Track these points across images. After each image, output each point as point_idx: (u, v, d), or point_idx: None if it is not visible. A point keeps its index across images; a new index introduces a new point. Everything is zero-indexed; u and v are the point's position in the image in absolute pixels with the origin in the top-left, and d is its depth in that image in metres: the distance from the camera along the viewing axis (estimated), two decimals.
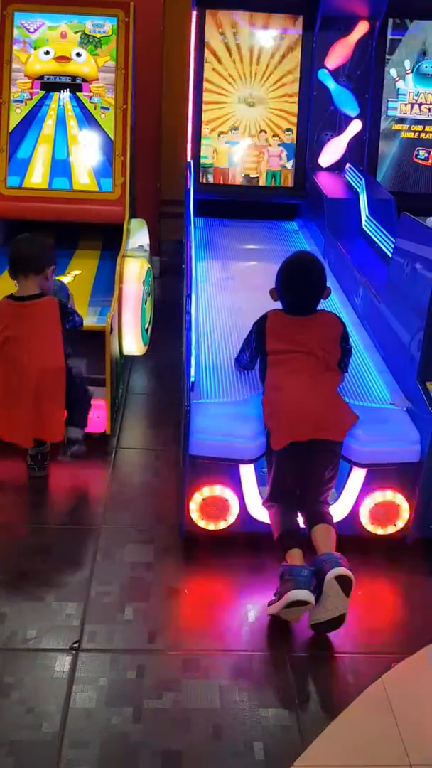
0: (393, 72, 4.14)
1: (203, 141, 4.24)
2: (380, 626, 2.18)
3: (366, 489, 2.34)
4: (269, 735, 1.81)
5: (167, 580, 2.28)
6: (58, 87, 3.69)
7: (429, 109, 4.16)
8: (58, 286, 2.88)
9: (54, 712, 1.83)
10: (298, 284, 2.44)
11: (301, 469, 2.25)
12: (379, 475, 2.33)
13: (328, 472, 2.26)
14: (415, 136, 4.20)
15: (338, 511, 2.36)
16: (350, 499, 2.36)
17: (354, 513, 2.37)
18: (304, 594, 1.98)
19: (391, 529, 2.39)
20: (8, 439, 2.60)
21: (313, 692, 1.94)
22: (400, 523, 2.38)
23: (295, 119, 4.21)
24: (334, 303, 3.33)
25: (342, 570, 2.00)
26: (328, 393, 2.32)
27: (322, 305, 2.53)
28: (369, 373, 2.71)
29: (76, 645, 2.03)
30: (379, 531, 2.39)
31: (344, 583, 1.99)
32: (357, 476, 2.33)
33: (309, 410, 2.25)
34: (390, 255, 2.84)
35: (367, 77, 4.11)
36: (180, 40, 4.23)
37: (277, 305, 2.49)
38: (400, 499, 2.35)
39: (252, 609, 2.19)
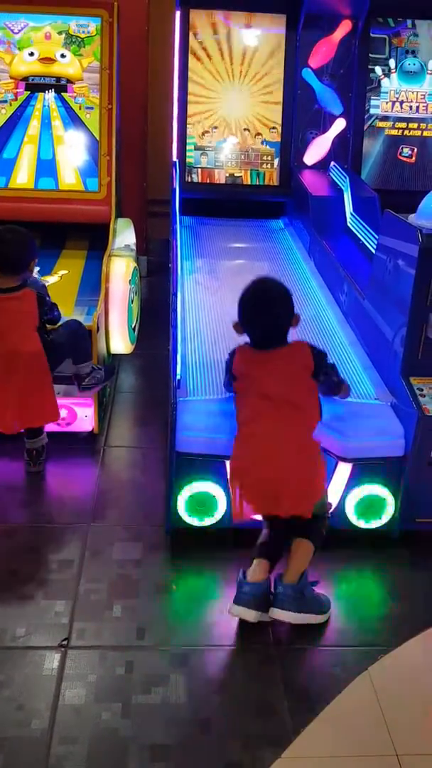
0: (378, 70, 4.17)
1: (188, 140, 4.25)
2: (366, 619, 2.20)
3: (351, 483, 2.37)
4: (257, 728, 1.83)
5: (155, 576, 2.30)
6: (42, 87, 3.69)
7: (410, 107, 4.19)
8: (32, 281, 2.86)
9: (43, 709, 1.84)
10: (259, 317, 2.20)
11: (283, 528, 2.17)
12: (364, 469, 2.36)
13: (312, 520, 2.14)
14: (399, 134, 4.23)
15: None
16: (336, 493, 2.38)
17: (340, 507, 2.39)
18: (237, 610, 2.07)
19: (376, 523, 2.42)
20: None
21: (300, 685, 1.96)
22: (386, 517, 2.41)
23: (279, 118, 4.22)
24: (320, 300, 3.36)
25: (276, 614, 2.05)
26: (291, 449, 2.10)
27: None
28: (354, 369, 2.73)
29: (64, 642, 2.04)
30: (365, 525, 2.42)
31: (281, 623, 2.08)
32: (343, 471, 2.35)
33: (266, 478, 2.09)
34: (374, 252, 2.87)
35: (350, 76, 4.14)
36: (165, 39, 4.24)
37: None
38: (385, 493, 2.38)
39: None
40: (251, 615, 2.06)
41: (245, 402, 2.20)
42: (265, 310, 2.20)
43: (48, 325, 2.69)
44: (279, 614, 2.05)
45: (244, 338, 2.27)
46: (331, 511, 2.28)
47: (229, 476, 2.23)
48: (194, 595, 2.28)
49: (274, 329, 2.20)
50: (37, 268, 3.42)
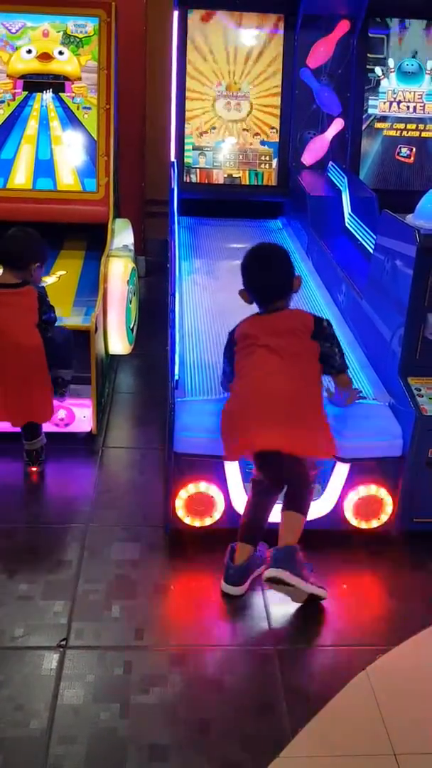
0: (378, 70, 4.17)
1: (186, 140, 4.25)
2: (364, 619, 2.21)
3: (349, 484, 2.37)
4: (255, 727, 1.83)
5: (154, 577, 2.30)
6: (40, 87, 3.69)
7: (408, 107, 4.20)
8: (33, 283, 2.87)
9: (42, 709, 1.84)
10: (260, 272, 2.32)
11: (275, 471, 2.22)
12: (362, 469, 2.36)
13: (303, 470, 2.21)
14: (397, 134, 4.23)
15: (322, 505, 2.38)
16: (334, 493, 2.38)
17: (338, 507, 2.39)
18: (227, 588, 2.22)
19: (374, 523, 2.42)
20: None
21: (298, 685, 1.96)
22: (384, 517, 2.41)
23: (277, 118, 4.23)
24: (318, 300, 3.36)
25: (271, 572, 2.08)
26: (300, 386, 2.20)
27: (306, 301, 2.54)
28: (352, 369, 2.73)
29: (63, 642, 2.04)
30: (363, 525, 2.42)
31: (277, 581, 2.09)
32: (341, 471, 2.36)
33: (274, 410, 2.15)
34: (372, 252, 2.87)
35: (348, 76, 4.14)
36: (163, 39, 4.24)
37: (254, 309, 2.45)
38: (383, 493, 2.38)
39: (238, 604, 2.21)
40: (238, 590, 2.21)
41: (245, 355, 2.26)
42: (265, 266, 2.32)
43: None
44: (273, 572, 2.07)
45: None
46: (328, 511, 2.29)
47: (223, 418, 2.23)
48: (192, 596, 2.28)
49: (275, 284, 2.30)
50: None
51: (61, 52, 3.67)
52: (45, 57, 3.66)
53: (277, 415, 2.15)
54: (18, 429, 2.75)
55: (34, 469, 2.78)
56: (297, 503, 2.18)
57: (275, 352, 2.22)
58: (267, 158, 4.29)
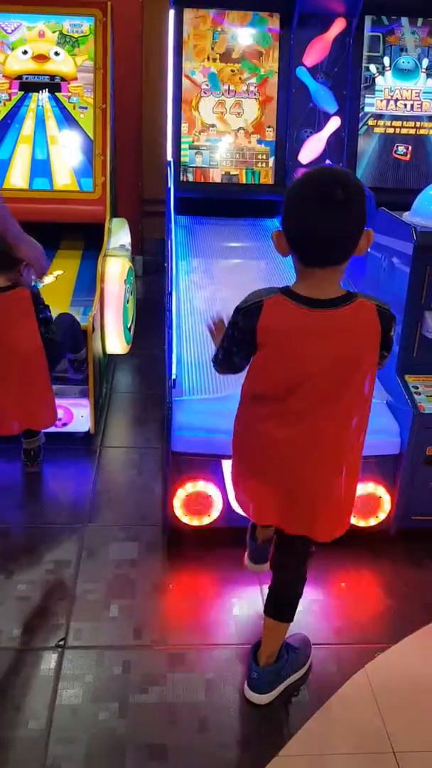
0: (372, 68, 4.16)
1: (183, 139, 4.24)
2: (363, 617, 2.21)
3: None
4: (254, 726, 1.84)
5: (152, 576, 2.30)
6: (36, 87, 3.69)
7: (405, 105, 4.20)
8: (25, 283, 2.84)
9: (40, 710, 1.84)
10: (320, 211, 1.45)
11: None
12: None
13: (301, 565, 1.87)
14: (394, 132, 4.22)
15: None
16: None
17: None
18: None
19: (373, 521, 2.42)
20: None
21: (297, 683, 1.96)
22: (382, 515, 2.41)
23: (274, 117, 4.22)
24: None
25: (253, 698, 1.89)
26: (328, 468, 1.68)
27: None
28: None
29: (61, 642, 2.04)
30: (362, 523, 2.42)
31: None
32: None
33: (292, 496, 1.71)
34: (369, 250, 2.87)
35: (345, 74, 4.13)
36: (159, 39, 4.23)
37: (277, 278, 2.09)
38: (381, 491, 2.38)
39: (237, 603, 2.22)
40: (263, 567, 2.14)
41: (266, 379, 1.64)
42: (329, 203, 1.44)
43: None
44: (255, 698, 1.88)
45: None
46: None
47: (232, 478, 1.85)
48: (191, 595, 2.28)
49: (341, 235, 1.48)
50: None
51: (57, 53, 3.66)
52: (41, 58, 3.66)
53: (303, 509, 1.72)
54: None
55: (32, 469, 2.77)
56: (287, 615, 1.90)
57: (325, 399, 1.60)
58: (264, 157, 4.29)
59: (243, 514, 1.91)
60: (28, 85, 3.68)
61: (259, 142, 4.27)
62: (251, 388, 1.70)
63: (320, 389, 1.59)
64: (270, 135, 4.26)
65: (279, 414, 1.64)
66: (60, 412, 2.88)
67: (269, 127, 4.25)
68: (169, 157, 4.15)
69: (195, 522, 2.38)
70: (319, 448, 1.66)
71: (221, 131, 4.23)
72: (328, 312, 1.55)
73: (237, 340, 1.64)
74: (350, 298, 1.57)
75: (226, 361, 1.71)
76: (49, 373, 2.60)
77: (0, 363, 2.52)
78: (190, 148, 4.25)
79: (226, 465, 2.33)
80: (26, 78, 3.68)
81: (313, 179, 1.51)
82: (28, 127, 3.68)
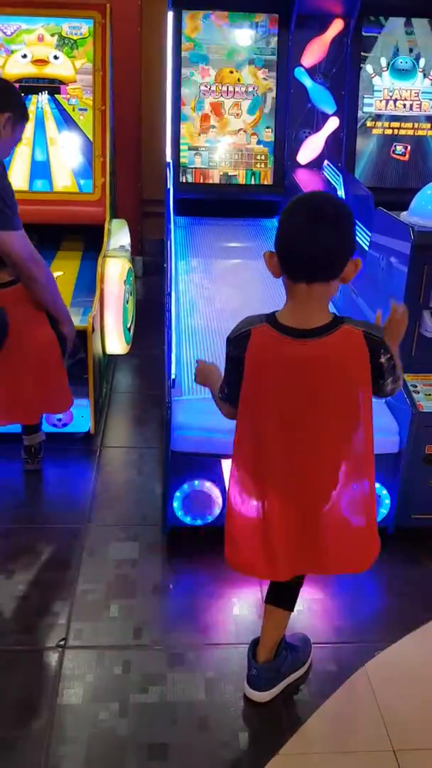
0: (369, 68, 4.17)
1: (182, 140, 4.25)
2: (363, 616, 2.21)
3: None
4: (254, 725, 1.84)
5: (152, 576, 2.30)
6: (35, 89, 3.70)
7: (404, 105, 4.20)
8: None
9: (41, 709, 1.85)
10: (310, 234, 1.49)
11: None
12: None
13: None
14: (392, 132, 4.23)
15: None
16: None
17: None
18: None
19: None
20: (15, 421, 2.68)
21: (297, 682, 1.96)
22: (381, 514, 2.41)
23: (273, 117, 4.23)
24: None
25: (254, 696, 1.88)
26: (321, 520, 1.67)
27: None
28: None
29: (62, 642, 2.04)
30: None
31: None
32: None
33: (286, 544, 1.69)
34: (367, 249, 2.87)
35: (343, 75, 4.14)
36: (158, 40, 4.24)
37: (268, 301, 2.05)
38: (380, 490, 2.38)
39: (237, 603, 2.22)
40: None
41: (248, 422, 1.65)
42: (317, 225, 1.48)
43: None
44: (255, 696, 1.88)
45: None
46: None
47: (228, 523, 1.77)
48: (191, 595, 2.28)
49: (326, 256, 1.51)
50: None
51: (56, 57, 3.67)
52: (40, 62, 3.67)
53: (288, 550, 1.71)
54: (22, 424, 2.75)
55: (32, 466, 2.78)
56: (288, 602, 1.89)
57: (306, 440, 1.60)
58: (263, 157, 4.29)
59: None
60: (27, 88, 3.69)
61: (258, 142, 4.28)
62: (237, 427, 1.68)
63: (298, 427, 1.59)
64: (269, 135, 4.27)
65: (261, 454, 1.64)
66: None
67: (268, 127, 4.26)
68: (169, 158, 4.16)
69: (195, 521, 2.39)
70: (303, 499, 1.65)
71: (220, 132, 4.24)
72: (311, 342, 1.55)
73: (232, 370, 1.65)
74: (336, 325, 1.56)
75: (231, 394, 1.68)
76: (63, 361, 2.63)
77: (17, 356, 2.52)
78: (189, 149, 4.27)
79: (226, 464, 2.33)
80: (25, 81, 3.69)
81: (303, 199, 1.56)
82: (27, 128, 3.68)
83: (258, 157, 4.30)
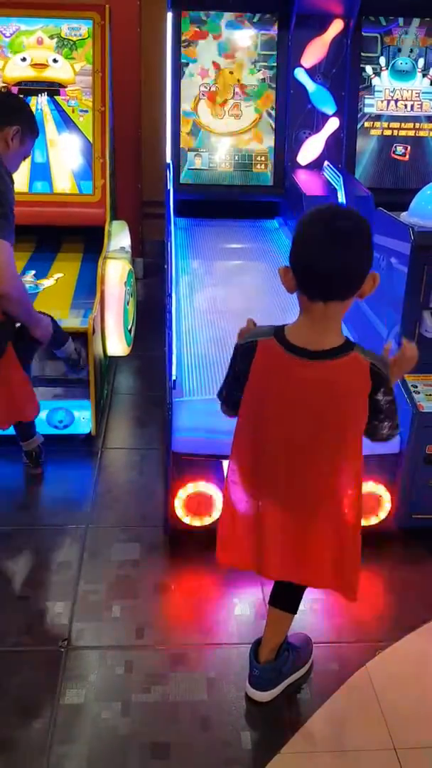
0: (369, 69, 4.18)
1: (182, 141, 4.25)
2: (364, 615, 2.21)
3: None
4: (256, 724, 1.85)
5: (154, 577, 2.31)
6: (35, 91, 3.70)
7: (405, 105, 4.21)
8: None
9: (44, 709, 1.85)
10: (331, 250, 1.44)
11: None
12: None
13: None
14: (393, 133, 4.24)
15: None
16: None
17: None
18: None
19: (373, 520, 2.43)
20: None
21: (299, 681, 1.97)
22: (383, 514, 2.42)
23: (272, 119, 4.24)
24: None
25: (256, 696, 1.89)
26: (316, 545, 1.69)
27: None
28: None
29: (64, 643, 2.05)
30: (362, 522, 2.41)
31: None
32: None
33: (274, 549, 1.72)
34: None
35: (343, 75, 4.15)
36: (157, 41, 4.25)
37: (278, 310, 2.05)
38: (381, 490, 2.39)
39: (238, 603, 2.23)
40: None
41: (248, 431, 1.68)
42: (335, 240, 1.44)
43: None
44: (256, 696, 1.89)
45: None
46: None
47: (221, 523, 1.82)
48: (193, 595, 2.29)
49: (340, 273, 1.47)
50: (32, 272, 3.45)
51: (55, 60, 3.68)
52: (39, 66, 3.68)
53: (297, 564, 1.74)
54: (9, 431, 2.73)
55: (35, 470, 2.79)
56: (290, 605, 1.90)
57: (300, 462, 1.62)
58: (263, 158, 4.30)
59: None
60: (26, 90, 3.70)
61: (258, 143, 4.28)
62: (236, 433, 1.71)
63: (296, 445, 1.60)
64: (269, 136, 4.28)
65: (260, 462, 1.67)
66: (61, 414, 2.91)
67: (268, 128, 4.27)
68: (168, 159, 4.17)
69: (196, 522, 2.39)
70: (297, 511, 1.66)
71: (220, 133, 4.24)
72: (318, 364, 1.53)
73: (235, 377, 1.66)
74: (346, 351, 1.54)
75: (230, 399, 1.71)
76: (24, 367, 2.53)
77: None
78: (189, 150, 4.27)
79: (227, 465, 2.33)
80: (25, 84, 3.69)
81: (322, 214, 1.48)
82: None
83: (258, 158, 4.31)
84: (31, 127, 2.45)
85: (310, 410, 1.56)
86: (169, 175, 4.01)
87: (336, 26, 4.10)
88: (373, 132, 4.24)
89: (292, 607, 1.90)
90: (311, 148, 4.28)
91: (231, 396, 1.69)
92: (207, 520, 2.39)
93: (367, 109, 4.22)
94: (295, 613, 1.91)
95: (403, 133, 4.25)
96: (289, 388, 1.57)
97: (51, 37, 3.67)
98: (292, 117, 4.23)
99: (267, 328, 1.61)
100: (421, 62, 4.18)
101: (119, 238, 3.75)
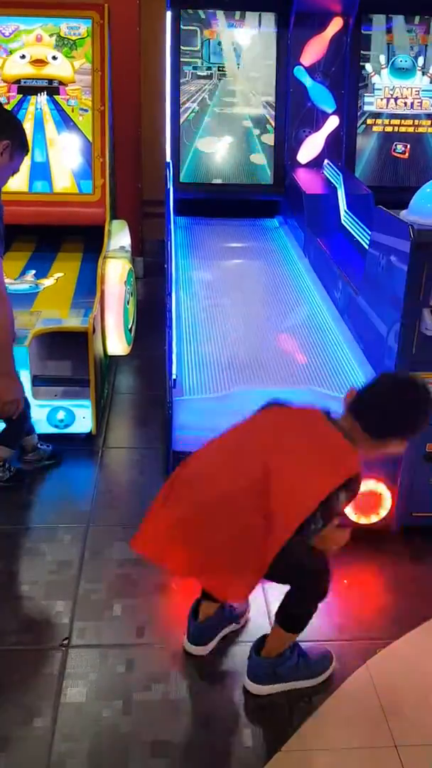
0: (368, 67, 4.18)
1: (182, 140, 4.26)
2: (365, 613, 2.22)
3: None
4: (257, 721, 1.85)
5: (154, 576, 2.31)
6: (35, 90, 3.70)
7: (405, 103, 4.21)
8: None
9: (45, 708, 1.86)
10: (384, 403, 1.82)
11: None
12: None
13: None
14: (392, 131, 4.24)
15: None
16: None
17: None
18: (190, 647, 2.02)
19: (374, 518, 2.43)
20: None
21: (308, 692, 1.96)
22: (383, 512, 2.42)
23: (272, 117, 4.24)
24: (315, 298, 3.37)
25: (250, 686, 1.92)
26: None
27: None
28: (349, 366, 2.75)
29: (65, 642, 2.05)
30: (363, 520, 2.43)
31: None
32: None
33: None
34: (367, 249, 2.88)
35: (342, 73, 4.15)
36: (156, 40, 4.25)
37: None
38: (381, 489, 2.39)
39: None
40: (201, 650, 2.03)
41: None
42: (389, 398, 1.83)
43: None
44: (252, 687, 1.91)
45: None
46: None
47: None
48: (193, 593, 2.28)
49: (383, 420, 1.81)
50: (33, 272, 3.46)
51: (54, 57, 3.68)
52: (39, 62, 3.68)
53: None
54: None
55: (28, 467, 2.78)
56: (289, 624, 1.91)
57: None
58: (263, 157, 4.30)
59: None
60: (26, 89, 3.70)
61: (258, 142, 4.28)
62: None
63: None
64: (269, 135, 4.28)
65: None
66: (61, 414, 2.91)
67: (268, 127, 4.27)
68: (168, 158, 4.17)
69: None
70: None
71: (220, 132, 4.24)
72: None
73: None
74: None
75: None
76: None
77: None
78: (189, 149, 4.27)
79: None
80: (24, 82, 3.70)
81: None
82: (26, 129, 3.68)
83: (258, 157, 4.31)
84: (21, 143, 2.37)
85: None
86: (169, 173, 4.02)
87: (335, 24, 4.11)
88: (373, 129, 4.24)
89: (288, 627, 1.90)
90: (311, 147, 4.28)
91: None
92: None
93: (366, 107, 4.22)
94: (295, 633, 1.90)
95: (402, 130, 4.25)
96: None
97: (50, 35, 3.67)
98: (291, 115, 4.23)
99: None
100: (420, 60, 4.18)
101: (119, 237, 3.76)
